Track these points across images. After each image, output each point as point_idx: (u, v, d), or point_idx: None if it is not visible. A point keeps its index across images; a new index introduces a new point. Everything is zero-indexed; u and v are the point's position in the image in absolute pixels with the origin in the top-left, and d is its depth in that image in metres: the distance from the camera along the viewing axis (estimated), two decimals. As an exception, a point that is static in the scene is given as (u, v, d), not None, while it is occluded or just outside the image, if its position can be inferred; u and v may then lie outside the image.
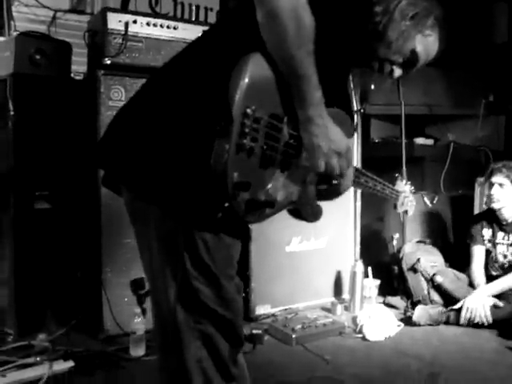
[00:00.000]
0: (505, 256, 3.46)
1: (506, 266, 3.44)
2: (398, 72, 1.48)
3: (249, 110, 1.14)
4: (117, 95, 2.84)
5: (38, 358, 2.47)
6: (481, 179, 4.04)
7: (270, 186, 1.26)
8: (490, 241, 3.53)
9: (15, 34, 3.18)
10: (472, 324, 3.15)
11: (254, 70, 1.15)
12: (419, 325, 3.20)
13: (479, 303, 3.16)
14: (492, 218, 3.54)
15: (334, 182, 1.42)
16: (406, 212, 2.22)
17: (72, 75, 3.21)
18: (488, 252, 3.53)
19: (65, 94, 3.02)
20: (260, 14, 1.17)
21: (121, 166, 1.32)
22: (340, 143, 1.32)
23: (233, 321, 1.33)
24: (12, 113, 2.82)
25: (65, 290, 2.97)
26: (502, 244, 3.48)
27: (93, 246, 2.86)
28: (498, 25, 4.89)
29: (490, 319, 3.11)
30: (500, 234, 3.49)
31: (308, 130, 1.27)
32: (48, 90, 2.94)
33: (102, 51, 2.82)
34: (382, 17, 1.39)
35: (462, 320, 3.16)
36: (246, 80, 1.14)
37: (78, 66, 3.27)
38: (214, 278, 1.28)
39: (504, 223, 3.47)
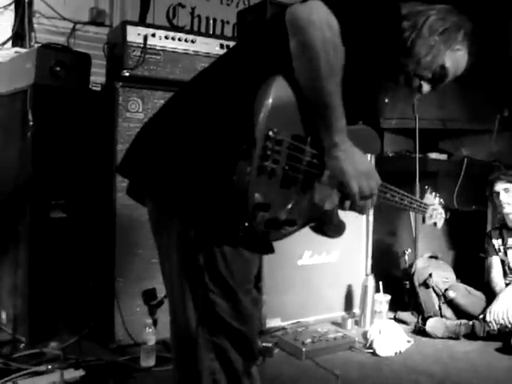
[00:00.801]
0: None
1: None
2: (426, 87, 1.49)
3: (271, 133, 1.17)
4: (134, 107, 2.88)
5: (49, 366, 2.50)
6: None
7: (290, 205, 1.29)
8: (501, 249, 3.53)
9: (36, 45, 3.24)
10: (496, 332, 3.13)
11: (277, 93, 1.18)
12: (436, 336, 3.20)
13: (505, 306, 3.16)
14: (501, 227, 3.60)
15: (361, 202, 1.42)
16: (435, 224, 2.21)
17: (91, 86, 3.26)
18: (502, 262, 3.53)
19: (83, 105, 3.07)
20: (293, 42, 1.20)
21: (146, 176, 1.36)
22: (364, 164, 1.35)
23: (248, 335, 1.35)
24: (31, 123, 2.87)
25: (77, 299, 3.00)
26: None
27: (106, 256, 2.89)
28: (513, 40, 4.88)
29: (508, 323, 3.11)
30: (511, 240, 3.49)
31: (333, 156, 1.30)
32: (67, 101, 2.99)
33: (121, 63, 2.87)
34: (411, 32, 1.42)
35: (489, 318, 3.15)
36: (270, 102, 1.16)
37: (96, 76, 3.33)
38: (231, 292, 1.30)
39: None
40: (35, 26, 3.76)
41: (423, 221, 2.18)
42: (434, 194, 2.21)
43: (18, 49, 3.46)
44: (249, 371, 1.39)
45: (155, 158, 1.34)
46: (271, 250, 1.41)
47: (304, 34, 1.17)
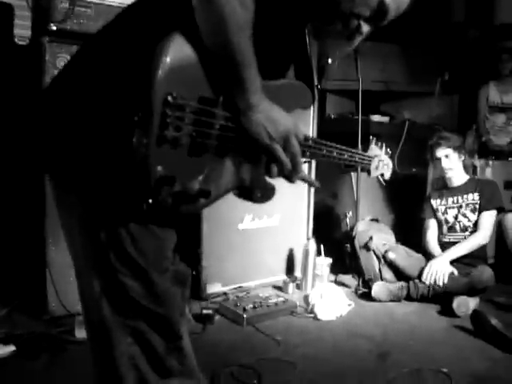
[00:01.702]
0: (456, 217, 3.53)
1: (463, 229, 3.52)
2: (365, 27, 1.34)
3: (170, 98, 1.04)
4: (63, 64, 2.68)
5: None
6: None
7: (203, 174, 1.17)
8: (439, 209, 3.59)
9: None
10: (429, 293, 3.22)
11: (176, 52, 1.05)
12: (380, 301, 3.25)
13: (442, 266, 3.26)
14: (442, 187, 3.65)
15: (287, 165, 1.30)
16: (382, 175, 2.13)
17: (15, 40, 3.01)
18: (441, 222, 3.59)
19: (6, 59, 2.84)
20: None
21: (41, 152, 1.22)
22: (286, 124, 1.22)
23: (167, 316, 1.25)
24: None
25: (7, 269, 2.84)
26: (453, 208, 3.55)
27: (36, 225, 2.72)
28: (456, 3, 4.90)
29: (441, 283, 3.21)
30: (450, 199, 3.56)
31: (249, 118, 1.18)
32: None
33: (48, 16, 2.64)
34: None
35: (424, 277, 3.25)
36: (167, 63, 1.03)
37: (22, 29, 3.08)
38: (142, 273, 1.19)
39: (453, 188, 3.57)
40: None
41: (368, 173, 2.09)
42: (379, 144, 2.13)
43: None
44: (175, 351, 1.31)
45: (49, 130, 1.19)
46: (185, 222, 1.31)
47: None
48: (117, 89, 1.11)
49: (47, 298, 2.70)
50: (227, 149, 1.22)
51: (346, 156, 1.66)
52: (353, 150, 1.71)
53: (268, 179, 1.35)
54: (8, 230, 2.84)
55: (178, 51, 1.05)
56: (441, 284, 3.21)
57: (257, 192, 1.34)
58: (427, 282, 3.24)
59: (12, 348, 2.37)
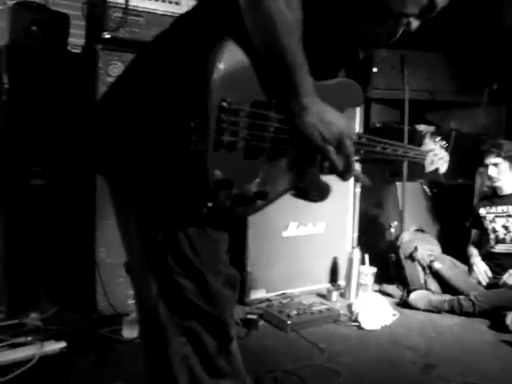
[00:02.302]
0: (506, 228, 3.46)
1: None
2: (415, 23, 1.36)
3: (225, 104, 1.06)
4: (115, 71, 2.76)
5: (29, 338, 2.44)
6: (482, 169, 4.01)
7: (260, 176, 1.19)
8: (487, 217, 3.53)
9: (11, 3, 3.07)
10: (474, 310, 3.15)
11: (229, 59, 1.07)
12: (417, 308, 3.20)
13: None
14: (491, 195, 3.59)
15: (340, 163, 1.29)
16: (437, 170, 2.08)
17: (69, 48, 3.12)
18: (487, 230, 3.53)
19: (61, 67, 2.94)
20: (243, 2, 1.09)
21: (99, 157, 1.27)
22: (339, 124, 1.23)
23: (220, 317, 1.27)
24: (7, 86, 2.74)
25: (58, 269, 2.92)
26: (502, 216, 3.47)
27: (87, 225, 2.80)
28: (507, 9, 4.80)
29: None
30: (500, 208, 3.49)
31: (303, 120, 1.19)
32: (44, 62, 2.85)
33: (101, 25, 2.73)
34: None
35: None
36: (221, 69, 1.05)
37: (76, 38, 3.18)
38: (198, 274, 1.22)
39: (503, 196, 3.50)
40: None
41: (424, 169, 2.04)
42: (434, 137, 2.08)
43: (-9, 6, 3.29)
44: (225, 353, 1.33)
45: (107, 136, 1.23)
46: (243, 225, 1.34)
47: None
48: (173, 95, 1.13)
49: (96, 298, 2.77)
50: (282, 151, 1.23)
51: (400, 152, 1.64)
52: (407, 146, 1.70)
53: (322, 177, 1.37)
54: (60, 231, 2.92)
55: (230, 57, 1.07)
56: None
57: (313, 191, 1.35)
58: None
59: (63, 344, 2.44)
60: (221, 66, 1.05)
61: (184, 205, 1.16)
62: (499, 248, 3.46)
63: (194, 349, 1.26)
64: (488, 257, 3.48)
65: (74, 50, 3.17)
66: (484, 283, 3.38)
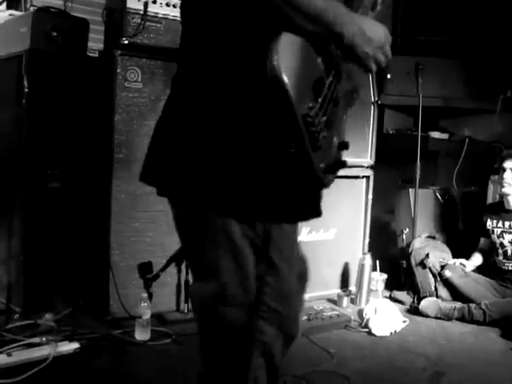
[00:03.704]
0: None
1: None
2: None
3: (309, 119, 1.08)
4: (133, 76, 2.80)
5: (43, 338, 2.47)
6: (494, 177, 4.01)
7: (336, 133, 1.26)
8: (494, 231, 3.52)
9: (32, 9, 3.13)
10: (485, 319, 3.14)
11: (288, 66, 1.03)
12: (427, 316, 3.21)
13: None
14: (499, 208, 3.56)
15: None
16: None
17: (88, 53, 3.16)
18: (497, 245, 3.52)
19: (80, 72, 2.98)
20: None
21: (168, 183, 1.26)
22: (379, 35, 1.21)
23: (290, 316, 1.31)
24: (27, 89, 2.79)
25: (72, 270, 2.97)
26: (510, 233, 3.47)
27: (101, 228, 2.84)
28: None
29: None
30: (507, 223, 3.48)
31: (347, 35, 1.15)
32: (63, 67, 2.90)
33: (120, 30, 2.77)
34: None
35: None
36: (291, 84, 1.03)
37: (94, 43, 3.23)
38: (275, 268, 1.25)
39: (510, 212, 3.49)
40: (31, -13, 3.62)
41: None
42: None
43: (12, 11, 3.35)
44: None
45: (176, 158, 1.23)
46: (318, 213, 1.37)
47: None
48: (247, 117, 1.14)
49: (109, 300, 2.81)
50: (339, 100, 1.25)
51: None
52: None
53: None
54: (75, 233, 2.97)
55: (287, 60, 1.04)
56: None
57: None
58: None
59: (76, 345, 2.47)
60: (288, 79, 1.02)
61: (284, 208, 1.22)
62: (508, 265, 3.46)
63: (265, 360, 1.28)
64: (498, 272, 3.48)
65: (92, 55, 3.22)
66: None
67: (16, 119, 2.86)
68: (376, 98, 3.64)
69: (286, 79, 1.02)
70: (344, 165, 1.28)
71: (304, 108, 1.07)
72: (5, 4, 3.46)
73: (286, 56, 1.03)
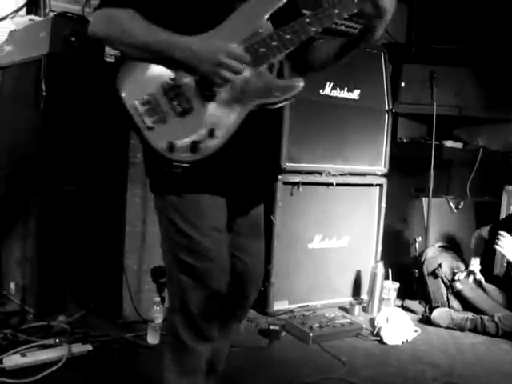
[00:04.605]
0: None
1: None
2: None
3: (135, 109, 1.46)
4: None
5: (57, 340, 2.50)
6: (509, 187, 3.98)
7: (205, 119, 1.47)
8: None
9: (51, 14, 3.17)
10: (498, 331, 3.11)
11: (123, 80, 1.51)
12: (439, 326, 3.20)
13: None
14: (508, 224, 3.51)
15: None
16: None
17: (105, 57, 3.19)
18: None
19: (97, 76, 3.01)
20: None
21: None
22: (212, 54, 1.38)
23: (207, 270, 1.54)
24: (45, 93, 2.83)
25: (86, 273, 2.99)
26: None
27: (115, 232, 2.87)
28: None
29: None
30: None
31: (189, 67, 1.41)
32: (81, 71, 2.94)
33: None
34: None
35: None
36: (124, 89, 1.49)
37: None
38: (184, 232, 1.54)
39: None
40: (50, -8, 3.67)
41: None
42: None
43: (32, 16, 3.40)
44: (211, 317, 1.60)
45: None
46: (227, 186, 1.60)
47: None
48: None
49: (122, 304, 2.83)
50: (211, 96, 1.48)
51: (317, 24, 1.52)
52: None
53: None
54: (90, 237, 2.99)
55: (123, 81, 1.53)
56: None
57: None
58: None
59: (89, 348, 2.49)
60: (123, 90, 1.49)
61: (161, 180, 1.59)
62: None
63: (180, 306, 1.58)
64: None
65: (109, 60, 3.25)
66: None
67: (34, 122, 2.90)
68: (390, 106, 3.64)
69: (121, 90, 1.49)
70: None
71: (132, 101, 1.46)
72: (25, 9, 3.52)
73: (123, 76, 1.49)
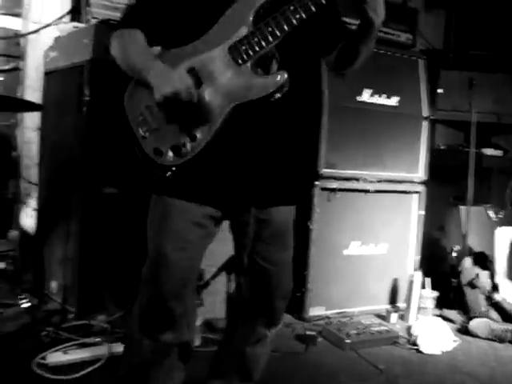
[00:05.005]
0: None
1: None
2: None
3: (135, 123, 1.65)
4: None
5: (97, 339, 2.54)
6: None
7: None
8: None
9: (94, 21, 3.25)
10: None
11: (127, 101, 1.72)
12: (477, 336, 3.14)
13: None
14: None
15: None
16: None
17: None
18: None
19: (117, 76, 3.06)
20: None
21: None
22: (172, 82, 1.48)
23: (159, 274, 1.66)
24: (87, 98, 2.89)
25: (126, 274, 3.03)
26: None
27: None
28: None
29: None
30: None
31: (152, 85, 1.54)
32: (122, 77, 2.98)
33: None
34: None
35: None
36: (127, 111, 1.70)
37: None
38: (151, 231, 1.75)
39: None
40: (91, 0, 3.76)
41: None
42: None
43: (76, 23, 3.48)
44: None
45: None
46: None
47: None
48: None
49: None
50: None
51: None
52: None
53: None
54: (130, 238, 3.03)
55: (127, 101, 1.74)
56: None
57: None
58: None
59: (129, 348, 2.52)
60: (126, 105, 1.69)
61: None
62: None
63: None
64: None
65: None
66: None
67: (76, 126, 2.97)
68: (428, 113, 3.61)
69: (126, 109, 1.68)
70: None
71: (133, 117, 1.64)
72: (69, 16, 3.61)
73: (127, 97, 1.70)
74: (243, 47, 1.49)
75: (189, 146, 1.52)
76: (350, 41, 1.65)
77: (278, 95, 1.51)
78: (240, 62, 1.50)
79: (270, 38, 1.47)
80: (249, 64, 1.50)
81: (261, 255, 1.71)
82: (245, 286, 1.79)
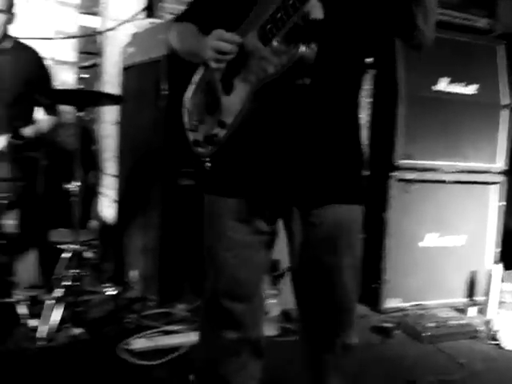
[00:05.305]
0: None
1: None
2: None
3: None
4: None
5: (179, 327, 2.62)
6: None
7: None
8: None
9: (170, 17, 3.32)
10: None
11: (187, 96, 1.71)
12: None
13: None
14: None
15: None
16: None
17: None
18: None
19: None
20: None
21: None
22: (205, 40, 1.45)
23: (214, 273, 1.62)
24: (165, 92, 2.96)
25: (203, 264, 3.10)
26: None
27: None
28: None
29: None
30: None
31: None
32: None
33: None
34: None
35: None
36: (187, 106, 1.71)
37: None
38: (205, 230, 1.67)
39: None
40: (165, -4, 3.84)
41: None
42: None
43: (152, 19, 3.58)
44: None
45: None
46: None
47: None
48: None
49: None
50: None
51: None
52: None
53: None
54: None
55: (187, 96, 1.72)
56: None
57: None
58: None
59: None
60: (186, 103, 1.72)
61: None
62: None
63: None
64: None
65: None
66: None
67: (155, 119, 3.06)
68: (509, 101, 3.47)
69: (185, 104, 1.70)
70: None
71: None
72: (144, 13, 3.71)
73: (188, 93, 1.70)
74: (268, 26, 1.38)
75: (220, 133, 1.52)
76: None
77: (306, 79, 1.40)
78: (266, 41, 1.39)
79: (291, 11, 1.33)
80: (275, 43, 1.37)
81: (310, 261, 1.52)
82: (297, 297, 1.63)
